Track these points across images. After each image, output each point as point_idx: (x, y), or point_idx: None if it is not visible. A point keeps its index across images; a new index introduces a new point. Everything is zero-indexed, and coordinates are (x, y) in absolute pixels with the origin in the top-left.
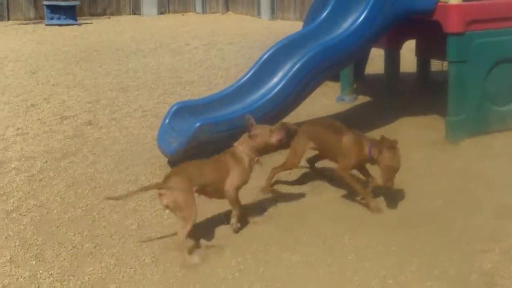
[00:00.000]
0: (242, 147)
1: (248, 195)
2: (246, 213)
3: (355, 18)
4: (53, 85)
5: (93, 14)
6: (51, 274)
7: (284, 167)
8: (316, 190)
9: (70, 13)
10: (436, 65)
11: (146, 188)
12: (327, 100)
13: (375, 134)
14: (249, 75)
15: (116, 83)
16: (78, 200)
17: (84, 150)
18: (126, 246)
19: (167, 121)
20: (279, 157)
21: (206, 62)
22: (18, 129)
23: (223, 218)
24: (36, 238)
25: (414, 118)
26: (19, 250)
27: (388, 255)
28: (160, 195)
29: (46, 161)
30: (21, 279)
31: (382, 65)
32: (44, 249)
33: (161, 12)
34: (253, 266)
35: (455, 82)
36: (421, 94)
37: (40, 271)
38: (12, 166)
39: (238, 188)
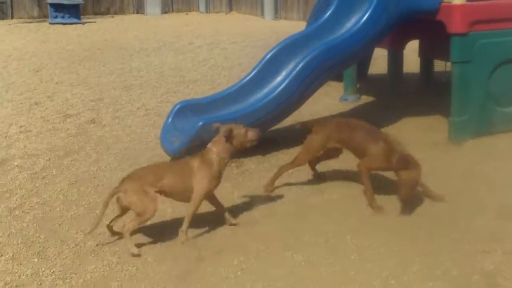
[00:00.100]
0: (216, 148)
1: (248, 195)
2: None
3: (359, 18)
4: (57, 83)
5: (97, 13)
6: (53, 271)
7: (294, 164)
8: (318, 190)
9: (73, 12)
10: (439, 65)
11: (109, 198)
12: (330, 100)
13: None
14: (252, 74)
15: (119, 82)
16: (81, 198)
17: (87, 148)
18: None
19: (170, 120)
20: (284, 156)
21: (209, 61)
22: (21, 127)
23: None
24: (39, 236)
25: (417, 119)
26: (21, 248)
27: (390, 255)
28: (118, 198)
29: (49, 159)
30: (23, 277)
31: (385, 65)
32: (47, 247)
33: (164, 11)
34: (255, 265)
35: (458, 82)
36: (424, 94)
37: (42, 269)
38: (15, 163)
39: (207, 194)
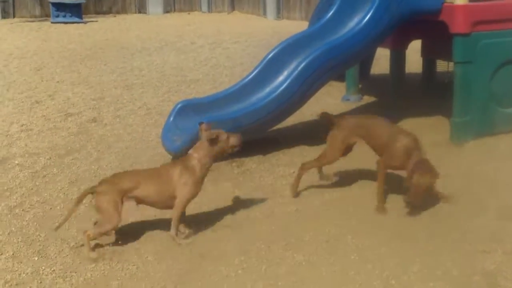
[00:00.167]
0: (197, 154)
1: (249, 195)
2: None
3: (361, 18)
4: (58, 82)
5: (99, 12)
6: (54, 270)
7: (321, 162)
8: (319, 190)
9: (75, 11)
10: (441, 65)
11: (82, 196)
12: (332, 99)
13: None
14: (254, 73)
15: (120, 81)
16: None
17: (88, 147)
18: (129, 243)
19: (171, 119)
20: (285, 156)
21: (211, 61)
22: (22, 125)
23: (224, 216)
24: (39, 234)
25: (419, 119)
26: (21, 246)
27: (391, 255)
28: (93, 198)
29: (50, 158)
30: (24, 275)
31: (387, 65)
32: (47, 245)
33: (166, 11)
34: (256, 265)
35: (460, 83)
36: (426, 94)
37: (43, 267)
38: (16, 162)
39: (190, 200)
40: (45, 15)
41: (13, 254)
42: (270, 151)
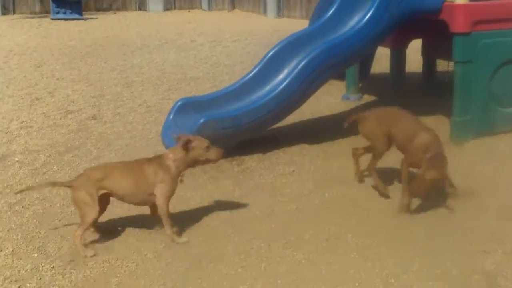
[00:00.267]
0: (173, 155)
1: (249, 193)
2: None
3: (361, 17)
4: (58, 79)
5: (99, 9)
6: (53, 267)
7: (377, 158)
8: (319, 188)
9: (75, 8)
10: (442, 65)
11: (56, 184)
12: (332, 98)
13: None
14: (254, 72)
15: (121, 78)
16: None
17: (88, 144)
18: (129, 240)
19: (171, 116)
20: (285, 155)
21: (211, 59)
22: (22, 122)
23: (224, 214)
24: (39, 231)
25: (419, 118)
26: (21, 243)
27: (391, 254)
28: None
29: (50, 155)
30: (23, 271)
31: (387, 64)
32: (46, 242)
33: (167, 9)
34: (256, 263)
35: (460, 82)
36: (427, 94)
37: (42, 264)
38: (16, 159)
39: (168, 198)
40: (45, 12)
41: (12, 250)
42: (270, 149)
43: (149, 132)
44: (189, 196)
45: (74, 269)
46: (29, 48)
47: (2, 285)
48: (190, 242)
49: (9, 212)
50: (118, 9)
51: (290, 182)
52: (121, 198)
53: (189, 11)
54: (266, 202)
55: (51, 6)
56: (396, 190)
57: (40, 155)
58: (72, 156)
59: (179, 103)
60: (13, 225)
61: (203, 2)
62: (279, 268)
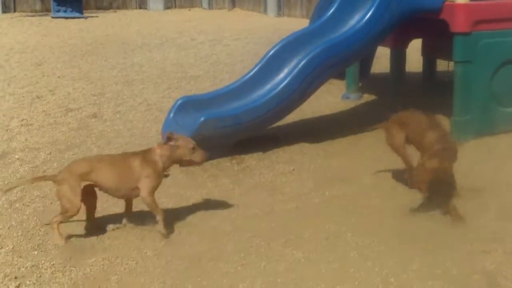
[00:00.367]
0: (160, 151)
1: (249, 192)
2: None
3: (362, 16)
4: (59, 77)
5: (99, 8)
6: (53, 264)
7: (409, 162)
8: (319, 187)
9: (76, 6)
10: (442, 65)
11: (40, 178)
12: (332, 98)
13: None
14: (254, 71)
15: (121, 77)
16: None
17: (88, 142)
18: (129, 238)
19: (171, 115)
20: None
21: (211, 58)
22: (22, 120)
23: (224, 213)
24: (39, 229)
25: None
26: (21, 240)
27: (390, 253)
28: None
29: (50, 153)
30: (23, 269)
31: (388, 64)
32: (47, 240)
33: (167, 7)
34: (255, 261)
35: (461, 82)
36: (427, 94)
37: (42, 261)
38: (16, 157)
39: (152, 192)
40: (45, 10)
41: (13, 248)
42: (270, 148)
43: (149, 130)
44: (189, 194)
45: (74, 267)
46: (30, 46)
47: (2, 282)
48: (190, 241)
49: (9, 210)
50: (118, 8)
51: (290, 181)
52: (105, 191)
53: (190, 10)
54: (266, 200)
55: (52, 4)
56: (396, 190)
57: (41, 153)
58: (72, 154)
59: (179, 102)
60: (13, 223)
61: (203, 1)
62: (278, 267)
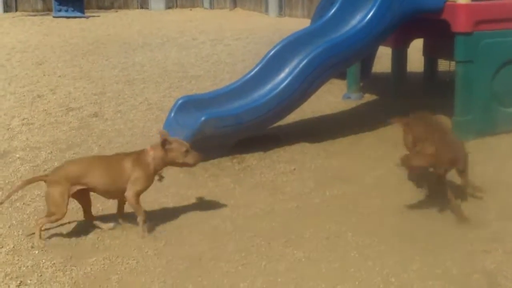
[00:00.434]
0: (153, 152)
1: (250, 191)
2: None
3: (363, 16)
4: (60, 76)
5: (101, 7)
6: (54, 263)
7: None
8: (320, 187)
9: (77, 6)
10: (443, 64)
11: (32, 180)
12: (332, 97)
13: (380, 132)
14: (255, 70)
15: (122, 76)
16: None
17: (89, 141)
18: (129, 238)
19: (172, 114)
20: (286, 153)
21: (212, 57)
22: (23, 119)
23: (225, 212)
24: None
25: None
26: (22, 239)
27: (391, 253)
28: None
29: (51, 152)
30: (24, 268)
31: (389, 64)
32: (47, 239)
33: (168, 7)
34: (256, 261)
35: (462, 82)
36: (428, 94)
37: (43, 261)
38: (17, 156)
39: (138, 194)
40: (47, 10)
41: (13, 247)
42: (271, 147)
43: (150, 129)
44: (190, 194)
45: (75, 266)
46: (31, 45)
47: (3, 281)
48: (191, 240)
49: (10, 209)
50: (120, 7)
51: (290, 181)
52: (96, 192)
53: (191, 10)
54: (267, 200)
55: (53, 4)
56: (397, 190)
57: (42, 152)
58: (73, 153)
59: (180, 101)
60: (14, 222)
61: (204, 1)
62: (279, 266)
